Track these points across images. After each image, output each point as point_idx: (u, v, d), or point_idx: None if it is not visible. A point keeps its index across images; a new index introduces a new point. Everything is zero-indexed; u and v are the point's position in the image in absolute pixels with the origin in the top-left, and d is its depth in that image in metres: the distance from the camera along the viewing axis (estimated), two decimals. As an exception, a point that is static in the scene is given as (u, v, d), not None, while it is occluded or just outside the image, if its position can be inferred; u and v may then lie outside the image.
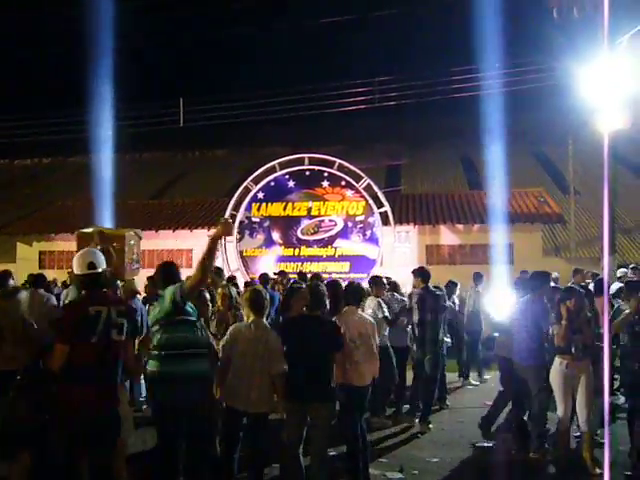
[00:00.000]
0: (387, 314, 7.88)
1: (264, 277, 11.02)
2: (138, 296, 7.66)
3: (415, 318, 7.82)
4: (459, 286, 11.36)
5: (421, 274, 7.96)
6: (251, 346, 4.86)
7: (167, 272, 4.78)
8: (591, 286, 8.87)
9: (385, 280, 8.80)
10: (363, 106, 20.56)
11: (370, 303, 7.92)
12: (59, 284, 15.59)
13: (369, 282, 8.56)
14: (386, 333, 7.94)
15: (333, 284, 5.94)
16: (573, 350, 5.93)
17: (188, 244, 21.10)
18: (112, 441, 4.05)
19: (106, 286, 4.34)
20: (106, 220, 21.93)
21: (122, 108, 24.46)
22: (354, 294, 5.86)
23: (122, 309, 4.12)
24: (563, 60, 17.12)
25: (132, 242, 5.92)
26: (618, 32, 12.97)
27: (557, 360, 6.02)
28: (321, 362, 4.93)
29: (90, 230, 5.87)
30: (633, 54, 13.21)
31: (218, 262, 18.37)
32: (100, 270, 4.13)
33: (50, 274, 17.57)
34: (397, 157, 34.11)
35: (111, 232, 6.24)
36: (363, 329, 5.58)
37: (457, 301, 11.34)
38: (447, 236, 20.39)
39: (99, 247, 5.09)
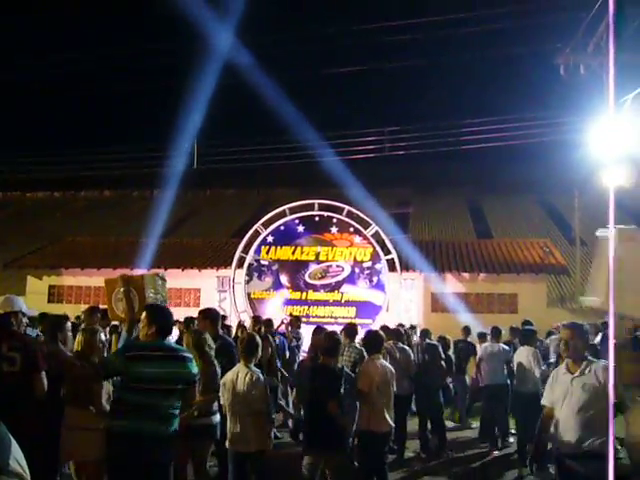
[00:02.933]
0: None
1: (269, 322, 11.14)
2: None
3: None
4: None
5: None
6: (237, 389, 5.19)
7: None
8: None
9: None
10: (372, 155, 20.97)
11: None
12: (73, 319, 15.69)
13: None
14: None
15: (375, 332, 6.31)
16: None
17: (196, 283, 21.35)
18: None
19: (6, 326, 4.83)
20: (114, 257, 22.30)
21: (135, 148, 25.03)
22: (375, 342, 6.08)
23: (15, 344, 4.62)
24: (569, 115, 17.57)
25: (156, 284, 6.21)
26: (623, 90, 13.41)
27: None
28: (327, 411, 5.05)
29: (117, 277, 6.29)
30: (637, 113, 13.61)
31: (226, 304, 18.65)
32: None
33: (59, 308, 17.83)
34: (406, 204, 34.49)
35: (132, 276, 6.58)
36: (385, 377, 5.85)
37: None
38: (452, 284, 20.57)
39: (122, 289, 5.48)
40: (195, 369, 4.42)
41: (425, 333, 9.87)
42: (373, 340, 6.06)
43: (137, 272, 21.33)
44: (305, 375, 5.32)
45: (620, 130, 13.64)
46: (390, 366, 6.22)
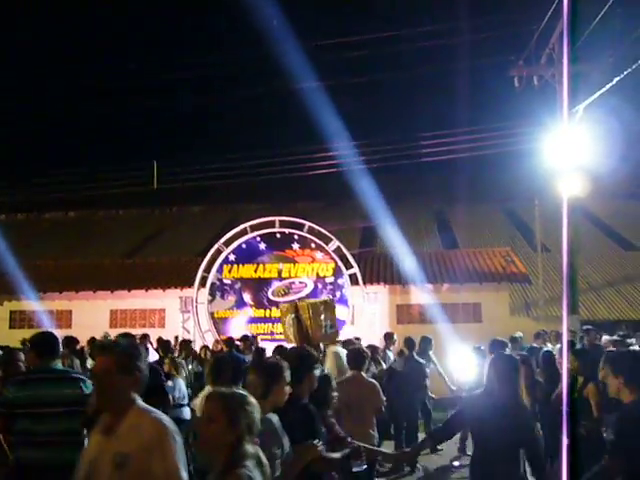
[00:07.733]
0: None
1: (230, 341, 11.11)
2: None
3: None
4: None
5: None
6: None
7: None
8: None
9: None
10: (335, 169, 21.10)
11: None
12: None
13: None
14: None
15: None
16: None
17: (161, 304, 21.12)
18: None
19: None
20: (77, 279, 21.99)
21: (98, 169, 24.81)
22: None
23: None
24: (527, 125, 17.89)
25: (324, 310, 6.46)
26: (575, 100, 13.69)
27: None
28: None
29: (289, 304, 6.60)
30: (587, 123, 13.91)
31: (190, 324, 18.52)
32: None
33: (21, 334, 17.48)
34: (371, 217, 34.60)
35: (305, 302, 6.85)
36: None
37: None
38: (417, 295, 20.65)
39: (293, 315, 5.60)
40: (89, 391, 4.14)
41: (412, 343, 9.75)
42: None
43: (102, 294, 21.13)
44: None
45: (573, 139, 13.82)
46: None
